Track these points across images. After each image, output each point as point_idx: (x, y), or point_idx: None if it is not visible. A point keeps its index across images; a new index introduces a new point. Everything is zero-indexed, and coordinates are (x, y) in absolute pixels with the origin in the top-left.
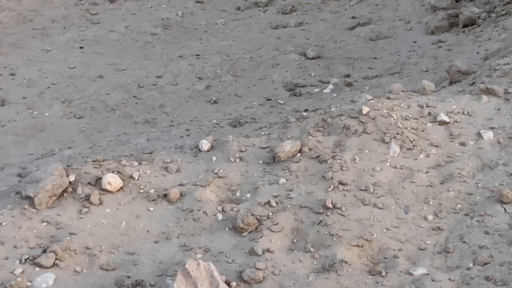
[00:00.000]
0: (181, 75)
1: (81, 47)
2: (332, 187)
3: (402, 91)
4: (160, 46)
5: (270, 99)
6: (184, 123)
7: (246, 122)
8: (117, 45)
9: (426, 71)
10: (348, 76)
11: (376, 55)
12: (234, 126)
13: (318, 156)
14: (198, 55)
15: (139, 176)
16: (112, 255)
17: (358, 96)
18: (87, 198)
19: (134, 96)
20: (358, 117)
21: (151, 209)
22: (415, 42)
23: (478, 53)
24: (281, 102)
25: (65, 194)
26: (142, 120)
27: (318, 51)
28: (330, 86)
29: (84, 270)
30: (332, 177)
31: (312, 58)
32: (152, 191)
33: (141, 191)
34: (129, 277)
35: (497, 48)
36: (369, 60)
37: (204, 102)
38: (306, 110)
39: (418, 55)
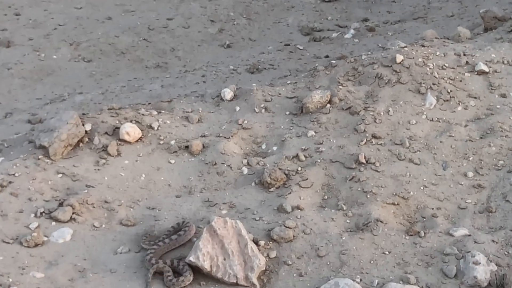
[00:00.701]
0: (192, 18)
1: None
2: (364, 140)
3: (436, 38)
4: None
5: (289, 44)
6: (199, 69)
7: (265, 68)
8: None
9: (451, 16)
10: (366, 20)
11: None
12: (252, 73)
13: (349, 108)
14: None
15: (159, 126)
16: (132, 209)
17: (390, 43)
18: (105, 148)
19: (144, 39)
20: (391, 66)
21: (172, 161)
22: None
23: None
24: (300, 48)
25: (81, 144)
26: (153, 64)
27: None
28: (351, 31)
29: (103, 225)
30: (364, 130)
31: (329, 1)
32: (172, 142)
33: (161, 142)
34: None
35: None
36: (387, 3)
37: (217, 46)
38: (327, 56)
39: None
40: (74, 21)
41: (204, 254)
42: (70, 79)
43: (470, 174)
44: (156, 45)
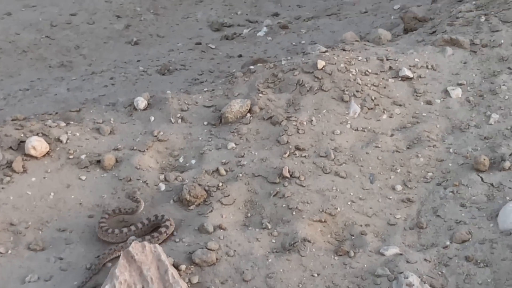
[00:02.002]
0: (97, 13)
1: None
2: (288, 153)
3: (356, 40)
4: None
5: (200, 43)
6: (107, 70)
7: (176, 69)
8: None
9: (365, 12)
10: (277, 14)
11: None
12: (163, 74)
13: (270, 117)
14: None
15: (68, 139)
16: (40, 232)
17: (310, 47)
18: (9, 165)
19: (47, 36)
20: (313, 72)
21: (83, 177)
22: None
23: None
24: (212, 47)
25: None
26: (57, 63)
27: None
28: (264, 28)
29: (9, 251)
30: (287, 142)
31: None
32: (83, 156)
33: (71, 156)
34: (61, 258)
35: None
36: None
37: (124, 44)
38: (240, 56)
39: None
40: None
41: (121, 282)
42: None
43: (399, 187)
44: (59, 43)
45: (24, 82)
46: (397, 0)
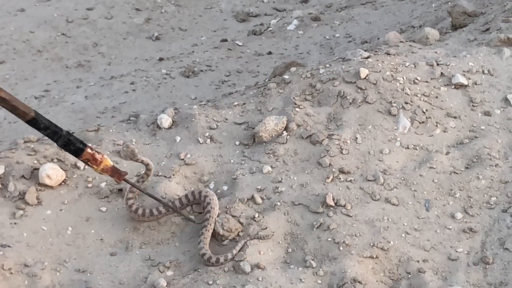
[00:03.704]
0: (115, 7)
1: None
2: (331, 177)
3: (401, 41)
4: None
5: (226, 40)
6: (128, 75)
7: (201, 70)
8: None
9: None
10: (306, 1)
11: None
12: (188, 77)
13: (310, 136)
14: None
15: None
16: (58, 273)
17: (351, 53)
18: (22, 196)
19: (63, 34)
20: (355, 82)
21: (103, 209)
22: None
23: None
24: (240, 44)
25: None
26: (75, 63)
27: None
28: (294, 21)
29: None
30: (330, 164)
31: None
32: (103, 185)
33: (89, 185)
34: None
35: None
36: None
37: (145, 39)
38: (270, 53)
39: None
40: None
41: None
42: None
43: (459, 215)
44: (76, 40)
45: (39, 86)
46: None
